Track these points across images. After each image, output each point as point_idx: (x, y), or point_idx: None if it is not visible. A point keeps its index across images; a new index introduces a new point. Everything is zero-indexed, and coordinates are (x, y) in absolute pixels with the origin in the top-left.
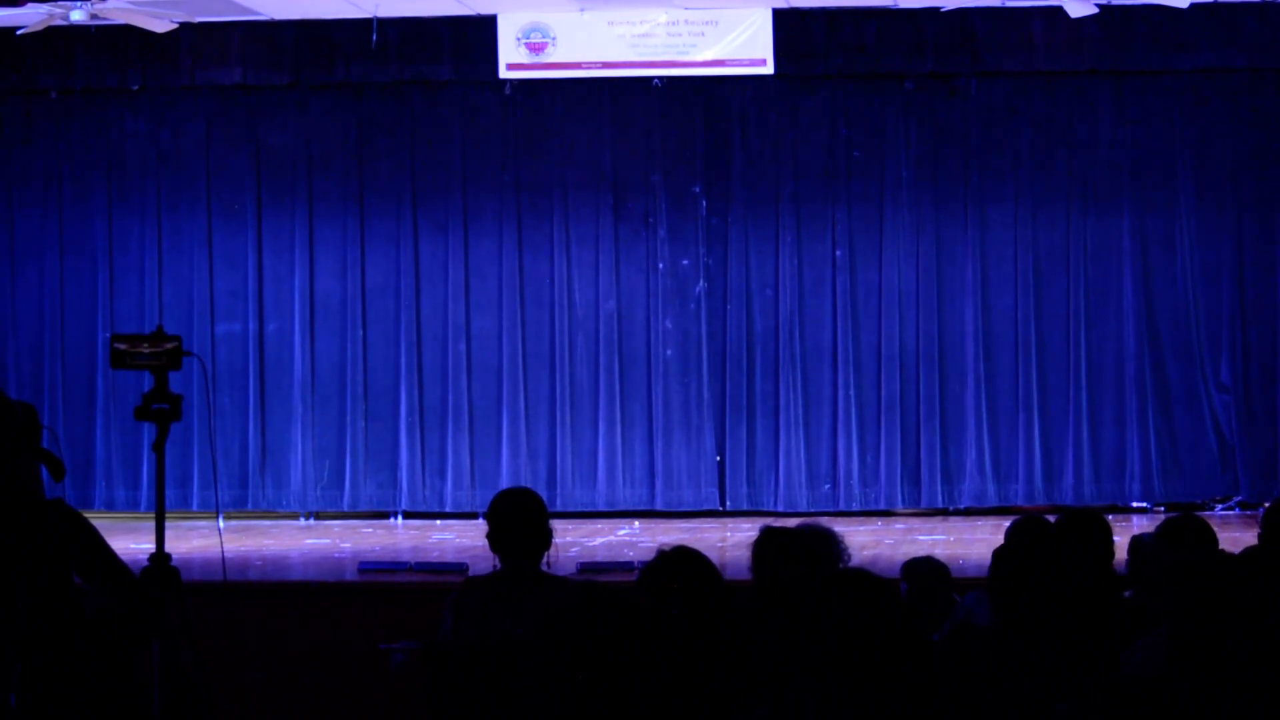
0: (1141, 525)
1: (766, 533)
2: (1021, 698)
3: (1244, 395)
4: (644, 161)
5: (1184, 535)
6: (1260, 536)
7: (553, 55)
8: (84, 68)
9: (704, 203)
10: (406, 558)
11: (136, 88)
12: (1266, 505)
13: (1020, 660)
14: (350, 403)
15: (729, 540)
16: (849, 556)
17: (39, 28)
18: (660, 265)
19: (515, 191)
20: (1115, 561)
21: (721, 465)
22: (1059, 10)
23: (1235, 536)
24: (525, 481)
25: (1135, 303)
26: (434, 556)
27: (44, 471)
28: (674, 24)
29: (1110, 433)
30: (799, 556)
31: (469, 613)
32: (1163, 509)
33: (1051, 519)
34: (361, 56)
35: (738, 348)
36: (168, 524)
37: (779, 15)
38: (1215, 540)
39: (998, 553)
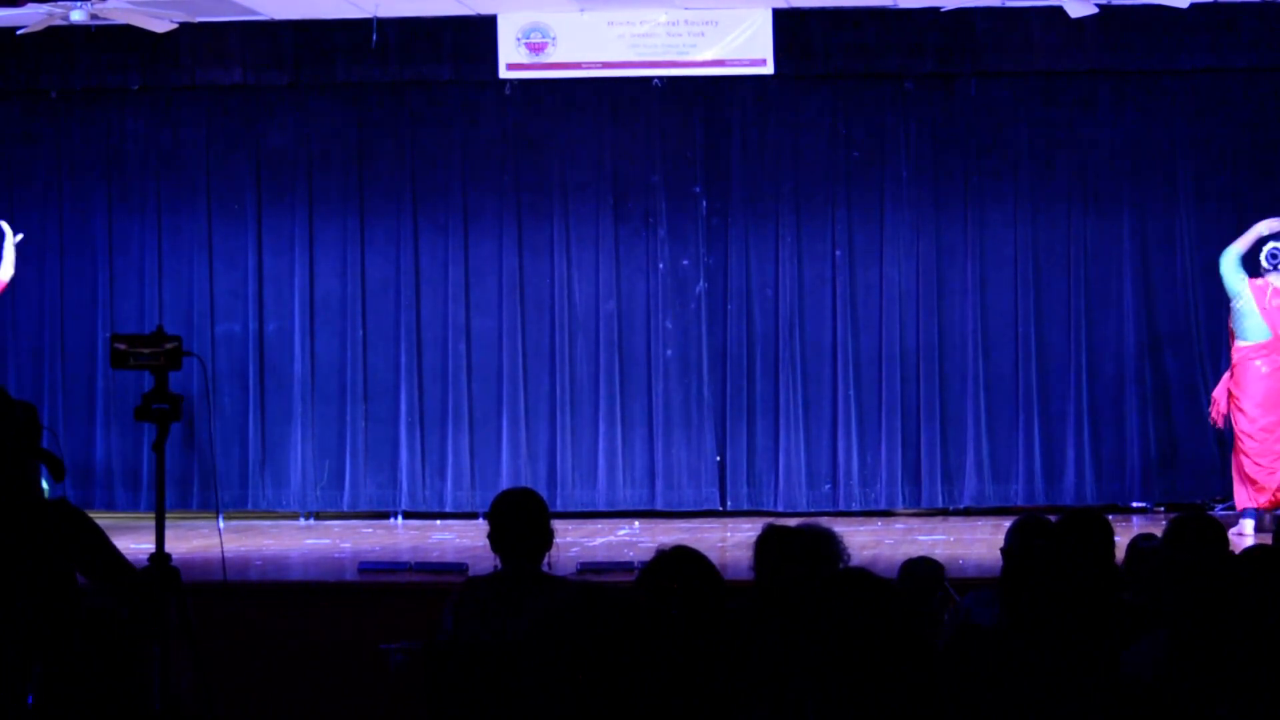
0: (1142, 525)
1: (769, 530)
2: (1026, 698)
3: None
4: (644, 161)
5: (1186, 534)
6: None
7: (553, 55)
8: (84, 68)
9: (704, 203)
10: (406, 558)
11: (136, 88)
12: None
13: (1024, 660)
14: (350, 403)
15: (729, 540)
16: (849, 556)
17: (39, 28)
18: (660, 265)
19: (515, 191)
20: (1115, 561)
21: (722, 465)
22: (1059, 10)
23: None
24: (525, 481)
25: (1135, 303)
26: (434, 556)
27: (44, 471)
28: (674, 24)
29: (1110, 433)
30: (799, 556)
31: (469, 613)
32: (1163, 509)
33: (1052, 519)
34: (361, 56)
35: (738, 348)
36: (168, 524)
37: (779, 15)
38: (1224, 539)
39: (1005, 552)
